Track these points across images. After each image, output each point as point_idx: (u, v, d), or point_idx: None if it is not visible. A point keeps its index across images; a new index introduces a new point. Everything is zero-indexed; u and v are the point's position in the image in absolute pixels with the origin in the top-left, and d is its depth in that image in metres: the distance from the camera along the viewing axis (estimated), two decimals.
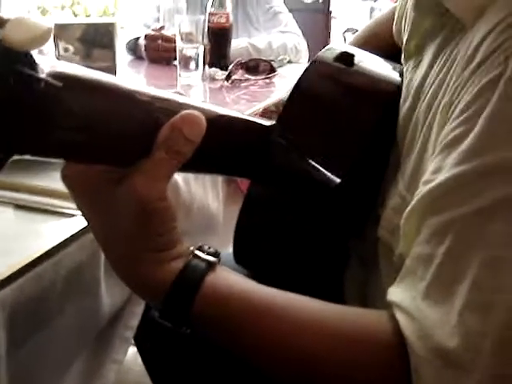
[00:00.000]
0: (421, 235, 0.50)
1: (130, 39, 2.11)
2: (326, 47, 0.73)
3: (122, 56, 2.02)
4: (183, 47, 1.63)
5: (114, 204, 0.50)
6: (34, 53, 0.42)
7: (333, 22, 2.94)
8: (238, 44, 1.97)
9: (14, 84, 0.41)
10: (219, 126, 0.54)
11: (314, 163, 0.59)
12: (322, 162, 0.59)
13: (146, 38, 2.02)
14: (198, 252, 0.54)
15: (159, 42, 1.99)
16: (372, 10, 5.72)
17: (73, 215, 0.79)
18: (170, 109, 0.50)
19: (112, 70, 1.46)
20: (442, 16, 0.63)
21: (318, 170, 0.59)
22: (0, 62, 0.41)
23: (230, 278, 0.54)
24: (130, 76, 1.88)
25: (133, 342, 0.93)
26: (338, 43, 0.92)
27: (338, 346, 0.51)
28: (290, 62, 2.08)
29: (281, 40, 2.16)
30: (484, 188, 0.46)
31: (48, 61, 0.44)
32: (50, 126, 0.44)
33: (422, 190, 0.51)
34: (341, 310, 0.55)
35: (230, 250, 0.71)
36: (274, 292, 0.54)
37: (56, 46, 1.45)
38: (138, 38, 2.07)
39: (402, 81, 0.72)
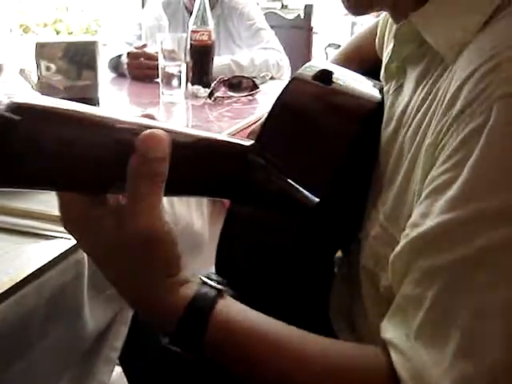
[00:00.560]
0: (410, 276, 0.52)
1: (112, 57, 2.11)
2: (305, 65, 0.74)
3: (105, 73, 2.02)
4: (165, 65, 1.63)
5: (117, 245, 0.51)
6: None
7: (314, 38, 2.95)
8: (220, 61, 1.98)
9: None
10: (197, 149, 0.54)
11: (292, 183, 0.59)
12: (301, 181, 0.59)
13: (129, 55, 2.02)
14: (205, 279, 0.56)
15: (141, 59, 1.99)
16: (353, 24, 5.77)
17: (55, 237, 0.79)
18: (137, 131, 0.50)
19: (94, 88, 1.46)
20: (422, 45, 0.63)
21: (297, 189, 0.59)
22: None
23: (239, 306, 0.57)
24: (113, 93, 1.88)
25: (118, 362, 0.92)
26: (318, 60, 0.92)
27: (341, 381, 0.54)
28: (272, 78, 2.10)
29: (263, 57, 2.17)
30: (467, 237, 0.48)
31: (5, 91, 0.44)
32: (10, 159, 0.44)
33: (411, 233, 0.53)
34: (341, 346, 0.57)
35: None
36: (277, 324, 0.56)
37: (38, 64, 1.45)
38: (120, 56, 2.07)
39: (383, 98, 0.72)
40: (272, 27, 2.41)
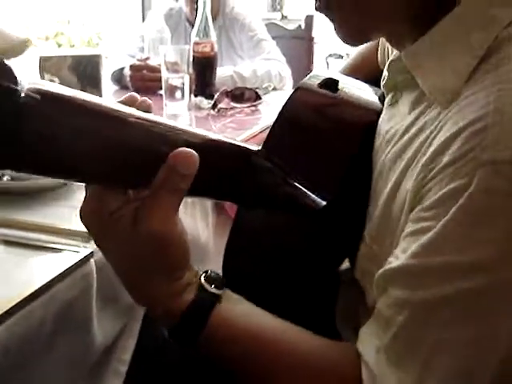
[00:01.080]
0: (385, 297, 0.57)
1: (115, 69, 2.11)
2: (310, 74, 0.75)
3: (108, 86, 2.02)
4: (169, 77, 1.63)
5: (130, 241, 0.54)
6: (16, 68, 0.42)
7: (315, 48, 2.95)
8: (223, 72, 1.99)
9: None
10: (207, 150, 0.55)
11: (300, 186, 0.60)
12: (308, 184, 0.60)
13: (131, 68, 2.03)
14: (205, 284, 0.59)
15: (144, 71, 2.00)
16: None
17: (62, 250, 0.79)
18: (162, 132, 0.53)
19: None
20: (413, 77, 0.63)
21: (304, 192, 0.60)
22: None
23: (235, 309, 0.61)
24: None
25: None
26: (321, 70, 0.93)
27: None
28: (274, 89, 2.10)
29: (265, 67, 2.18)
30: (433, 282, 0.53)
31: (29, 77, 0.45)
32: (29, 137, 0.45)
33: (392, 262, 0.56)
34: (326, 348, 0.61)
35: None
36: (272, 324, 0.61)
37: (41, 77, 1.46)
38: (122, 68, 2.08)
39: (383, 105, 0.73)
40: (273, 38, 2.42)
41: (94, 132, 0.49)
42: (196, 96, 1.76)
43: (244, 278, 0.70)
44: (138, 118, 0.52)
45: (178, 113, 1.63)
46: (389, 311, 0.56)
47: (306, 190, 0.61)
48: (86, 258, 0.76)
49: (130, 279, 0.58)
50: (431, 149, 0.56)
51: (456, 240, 0.51)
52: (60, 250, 0.79)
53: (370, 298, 0.65)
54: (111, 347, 0.86)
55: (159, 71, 1.70)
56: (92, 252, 0.77)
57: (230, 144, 0.60)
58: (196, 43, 1.74)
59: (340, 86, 0.71)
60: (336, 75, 0.75)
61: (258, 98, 1.76)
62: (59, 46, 4.14)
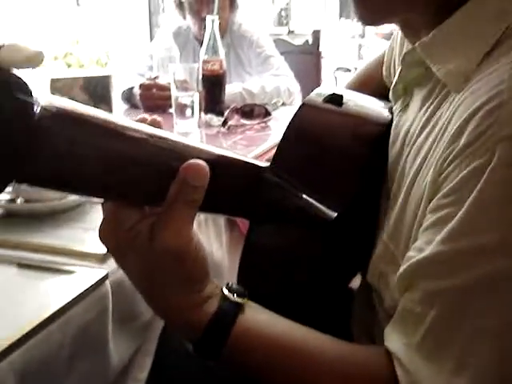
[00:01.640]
0: (412, 294, 0.56)
1: (124, 89, 2.13)
2: (315, 90, 0.75)
3: (118, 105, 2.04)
4: (178, 95, 1.64)
5: (148, 256, 0.54)
6: (32, 86, 0.43)
7: (323, 62, 2.97)
8: (232, 89, 2.00)
9: (10, 109, 0.42)
10: (218, 165, 0.56)
11: (309, 199, 0.62)
12: (318, 197, 0.62)
13: (141, 87, 2.04)
14: (227, 293, 0.59)
15: (154, 90, 2.01)
16: (360, 47, 5.81)
17: (76, 272, 0.79)
18: (173, 149, 0.54)
19: None
20: (427, 70, 0.65)
21: (314, 204, 0.61)
22: None
23: (259, 318, 0.61)
24: None
25: None
26: (326, 86, 0.94)
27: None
28: (283, 104, 2.11)
29: (274, 83, 2.18)
30: (466, 266, 0.52)
31: (45, 95, 0.45)
32: (44, 153, 0.45)
33: (416, 256, 0.55)
34: (353, 353, 0.61)
35: None
36: (296, 332, 0.61)
37: None
38: (132, 88, 2.10)
39: (392, 117, 0.74)
40: (281, 53, 2.43)
41: (108, 148, 0.49)
42: (206, 114, 1.76)
43: (258, 294, 0.70)
44: (151, 135, 0.53)
45: (189, 131, 1.64)
46: (417, 307, 0.55)
47: (316, 203, 0.62)
48: (102, 280, 0.77)
49: (150, 294, 0.59)
50: (446, 135, 0.56)
51: (484, 219, 0.51)
52: (74, 272, 0.79)
53: (387, 300, 0.65)
54: (127, 366, 0.86)
55: (169, 89, 1.71)
56: (107, 273, 0.78)
57: (240, 160, 0.62)
58: (205, 61, 1.75)
59: (344, 100, 0.72)
60: (340, 90, 0.76)
61: (268, 114, 1.77)
62: (68, 66, 4.17)
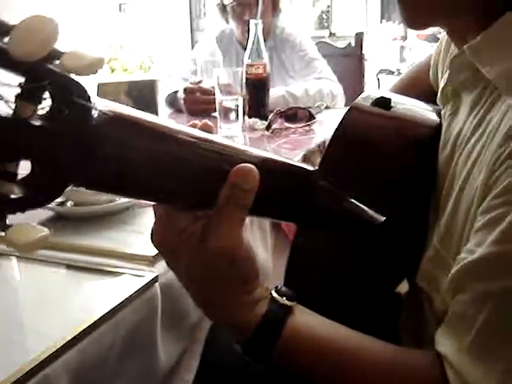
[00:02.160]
0: (464, 295, 0.56)
1: (168, 93, 2.15)
2: (361, 95, 0.76)
3: (162, 109, 2.06)
4: (222, 99, 1.65)
5: (199, 258, 0.55)
6: (90, 91, 0.44)
7: (365, 65, 2.95)
8: (275, 93, 2.00)
9: (69, 113, 0.43)
10: (267, 169, 0.56)
11: (357, 203, 0.61)
12: (366, 201, 0.62)
13: (185, 91, 2.06)
14: (276, 296, 0.60)
15: (198, 94, 2.02)
16: (402, 49, 5.76)
17: (126, 274, 0.80)
18: (224, 152, 0.55)
19: None
20: (476, 73, 0.64)
21: (362, 208, 0.61)
22: (56, 93, 0.43)
23: (309, 320, 0.61)
24: None
25: None
26: (372, 89, 0.93)
27: None
28: (327, 107, 2.09)
29: (317, 86, 2.18)
30: None
31: (102, 99, 0.46)
32: (101, 156, 0.46)
33: (467, 257, 0.55)
34: (403, 356, 0.61)
35: None
36: (346, 334, 0.61)
37: None
38: (176, 92, 2.11)
39: (441, 121, 0.73)
40: (323, 56, 2.42)
41: (163, 152, 0.50)
42: (250, 117, 1.77)
43: (305, 298, 0.70)
44: (202, 139, 0.53)
45: (233, 134, 1.65)
46: (468, 309, 0.55)
47: (364, 207, 0.61)
48: (151, 282, 0.78)
49: (201, 296, 0.59)
50: (498, 136, 0.56)
51: None
52: (124, 274, 0.81)
53: (437, 304, 0.64)
54: (174, 368, 0.87)
55: (212, 94, 1.72)
56: (157, 276, 0.79)
57: (289, 164, 0.62)
58: (249, 65, 1.76)
59: (393, 104, 0.72)
60: (388, 94, 0.75)
61: (312, 117, 1.76)
62: (113, 70, 4.24)
